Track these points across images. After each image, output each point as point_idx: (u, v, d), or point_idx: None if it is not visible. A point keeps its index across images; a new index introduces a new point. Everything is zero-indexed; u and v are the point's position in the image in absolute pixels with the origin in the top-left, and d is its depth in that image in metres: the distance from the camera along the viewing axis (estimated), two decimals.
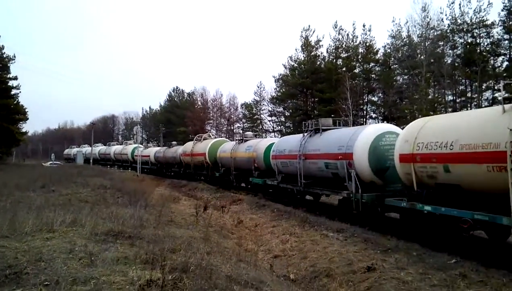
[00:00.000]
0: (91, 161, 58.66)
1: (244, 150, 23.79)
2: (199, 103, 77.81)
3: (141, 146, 55.45)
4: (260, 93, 64.02)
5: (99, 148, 68.62)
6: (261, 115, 64.42)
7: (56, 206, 11.36)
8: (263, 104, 63.73)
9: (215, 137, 35.17)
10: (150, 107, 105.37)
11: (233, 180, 25.52)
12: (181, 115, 74.60)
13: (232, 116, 71.93)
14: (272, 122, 63.07)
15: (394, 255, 8.91)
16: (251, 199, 20.73)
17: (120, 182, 25.02)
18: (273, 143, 20.79)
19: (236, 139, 27.26)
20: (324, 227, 12.69)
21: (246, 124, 67.71)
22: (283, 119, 60.21)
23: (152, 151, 46.35)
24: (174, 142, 42.21)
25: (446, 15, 38.75)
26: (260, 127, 63.05)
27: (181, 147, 36.73)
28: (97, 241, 7.30)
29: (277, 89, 57.71)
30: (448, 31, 38.61)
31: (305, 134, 17.07)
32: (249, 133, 28.11)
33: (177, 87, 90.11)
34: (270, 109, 62.24)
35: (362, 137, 12.95)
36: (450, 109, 35.77)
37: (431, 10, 38.54)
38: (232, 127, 71.71)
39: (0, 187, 18.12)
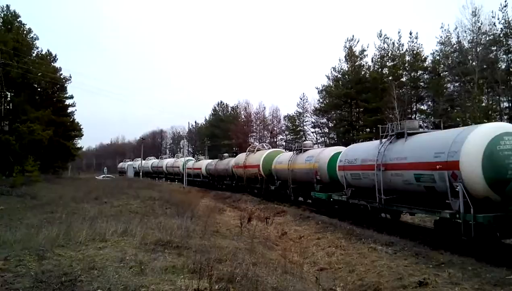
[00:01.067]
0: (140, 173, 60.62)
1: (303, 160, 21.46)
2: (243, 116, 78.79)
3: (192, 158, 55.05)
4: (303, 105, 64.09)
5: (152, 161, 69.51)
6: (304, 127, 64.34)
7: (108, 216, 11.86)
8: (306, 116, 63.74)
9: (269, 148, 32.56)
10: (195, 122, 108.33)
11: (290, 194, 23.18)
12: (225, 129, 75.93)
13: (275, 128, 72.26)
14: (316, 134, 62.68)
15: (447, 270, 8.46)
16: (294, 211, 20.56)
17: (168, 194, 25.71)
18: (339, 152, 18.34)
19: (294, 150, 24.46)
20: (372, 240, 12.28)
21: (289, 136, 67.69)
22: (326, 130, 59.61)
23: (204, 163, 45.29)
24: (226, 154, 41.09)
25: (498, 19, 36.87)
26: (303, 139, 62.75)
27: (233, 159, 35.50)
28: (147, 250, 7.53)
29: (321, 100, 57.42)
30: (501, 35, 36.69)
31: (384, 140, 14.38)
32: (308, 142, 24.96)
33: (221, 102, 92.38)
34: (313, 120, 62.07)
35: (472, 141, 10.24)
36: (506, 117, 33.79)
37: (482, 15, 36.74)
38: (275, 140, 71.93)
39: (56, 199, 19.24)
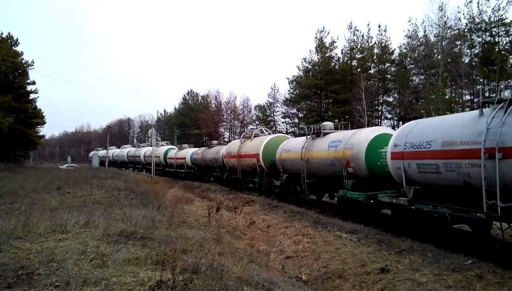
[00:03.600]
0: (106, 163, 58.86)
1: (325, 147, 16.13)
2: (213, 106, 78.25)
3: (174, 147, 50.60)
4: (274, 95, 64.45)
5: (128, 150, 64.49)
6: (275, 117, 64.70)
7: (71, 207, 11.52)
8: (277, 106, 64.11)
9: (269, 133, 26.59)
10: (164, 111, 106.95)
11: (305, 192, 17.80)
12: (195, 118, 75.22)
13: (246, 118, 72.25)
14: (286, 124, 63.20)
15: (408, 256, 8.74)
16: (263, 200, 20.63)
17: (134, 184, 25.25)
18: (386, 134, 13.63)
19: (308, 133, 18.63)
20: (337, 228, 12.53)
21: (259, 126, 67.88)
22: (296, 121, 60.16)
23: (189, 152, 39.83)
24: (214, 142, 37.04)
25: (463, 14, 38.30)
26: (274, 129, 63.17)
27: (225, 147, 30.52)
28: (109, 242, 7.33)
29: (291, 91, 57.85)
30: (465, 30, 38.04)
31: (487, 109, 9.09)
32: (328, 123, 18.78)
33: (191, 91, 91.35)
34: (283, 111, 62.55)
35: None
36: (467, 109, 35.15)
37: (448, 10, 38.31)
38: (245, 130, 72.00)
39: (16, 189, 18.47)
